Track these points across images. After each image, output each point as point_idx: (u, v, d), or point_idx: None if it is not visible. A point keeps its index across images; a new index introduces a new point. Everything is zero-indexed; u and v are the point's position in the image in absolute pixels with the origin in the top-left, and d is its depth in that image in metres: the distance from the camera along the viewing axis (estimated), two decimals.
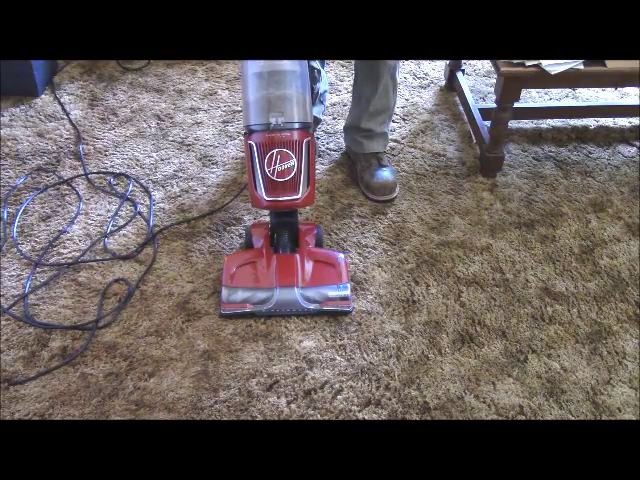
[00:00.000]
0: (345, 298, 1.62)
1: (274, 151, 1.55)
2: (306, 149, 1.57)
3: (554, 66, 1.80)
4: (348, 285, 1.64)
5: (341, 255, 1.71)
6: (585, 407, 1.46)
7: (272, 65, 1.56)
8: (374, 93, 1.92)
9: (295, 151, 1.56)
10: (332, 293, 1.62)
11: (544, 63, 1.80)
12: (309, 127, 1.61)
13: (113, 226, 1.86)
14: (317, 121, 2.17)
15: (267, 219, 1.79)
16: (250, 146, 1.57)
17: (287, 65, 1.56)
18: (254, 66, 1.57)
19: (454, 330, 1.61)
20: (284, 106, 1.55)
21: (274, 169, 1.56)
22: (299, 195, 1.59)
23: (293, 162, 1.56)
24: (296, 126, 1.56)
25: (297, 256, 1.65)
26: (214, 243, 1.81)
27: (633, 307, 1.68)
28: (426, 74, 2.52)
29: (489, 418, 1.44)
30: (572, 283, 1.74)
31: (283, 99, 1.55)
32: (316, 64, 2.05)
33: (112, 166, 2.06)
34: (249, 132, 1.60)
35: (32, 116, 2.23)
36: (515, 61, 1.81)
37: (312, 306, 1.60)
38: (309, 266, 1.65)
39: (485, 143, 2.04)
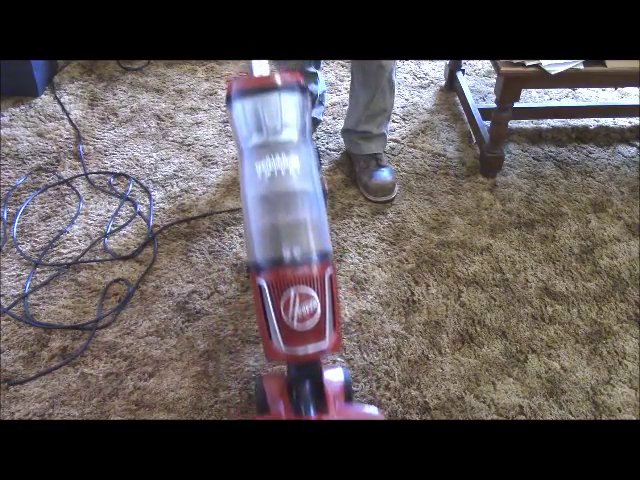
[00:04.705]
0: None
1: (291, 291, 1.22)
2: (329, 284, 1.26)
3: (554, 66, 1.80)
4: None
5: (375, 410, 1.38)
6: (585, 407, 1.47)
7: (278, 185, 1.25)
8: (371, 99, 1.91)
9: (317, 289, 1.24)
10: None
11: (544, 63, 1.80)
12: (329, 255, 1.29)
13: (113, 226, 1.86)
14: (317, 122, 2.17)
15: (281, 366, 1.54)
16: (260, 287, 1.24)
17: (296, 184, 1.26)
18: (255, 187, 1.26)
19: (454, 330, 1.61)
20: (298, 235, 1.25)
21: (293, 313, 1.23)
22: (326, 342, 1.24)
23: (316, 303, 1.23)
24: (315, 258, 1.24)
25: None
26: (214, 243, 1.81)
27: (633, 307, 1.68)
28: (426, 74, 2.52)
29: (489, 418, 1.44)
30: (572, 283, 1.74)
31: (296, 226, 1.25)
32: (312, 68, 2.03)
33: (112, 166, 2.06)
34: (256, 269, 1.26)
35: (32, 116, 2.23)
36: (515, 61, 1.81)
37: None
38: None
39: (485, 143, 2.04)
